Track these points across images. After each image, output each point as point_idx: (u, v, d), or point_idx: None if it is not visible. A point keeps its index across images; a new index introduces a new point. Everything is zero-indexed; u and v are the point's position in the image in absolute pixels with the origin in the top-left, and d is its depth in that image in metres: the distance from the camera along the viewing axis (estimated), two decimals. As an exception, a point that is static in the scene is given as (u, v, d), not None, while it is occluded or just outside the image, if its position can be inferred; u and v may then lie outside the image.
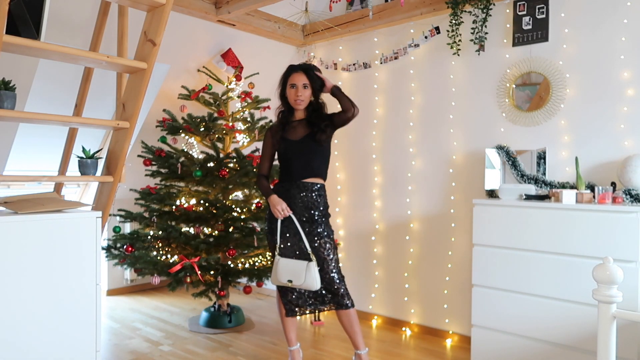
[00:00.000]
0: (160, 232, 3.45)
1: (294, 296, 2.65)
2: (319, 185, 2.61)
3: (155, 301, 4.32)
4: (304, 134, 2.62)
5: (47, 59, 2.17)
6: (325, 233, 2.59)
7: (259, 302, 4.28)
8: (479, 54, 3.25)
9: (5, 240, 1.90)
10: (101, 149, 3.19)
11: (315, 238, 2.56)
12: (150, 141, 3.81)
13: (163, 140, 3.55)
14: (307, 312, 2.70)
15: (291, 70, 2.65)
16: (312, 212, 2.57)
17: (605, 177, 2.77)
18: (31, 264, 1.96)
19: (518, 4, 3.06)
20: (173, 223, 3.50)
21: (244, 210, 3.57)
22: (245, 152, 3.81)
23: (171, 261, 3.42)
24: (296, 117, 2.69)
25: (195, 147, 3.76)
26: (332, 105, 2.68)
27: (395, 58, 3.69)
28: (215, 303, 3.66)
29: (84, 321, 2.13)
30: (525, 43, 3.03)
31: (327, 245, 2.57)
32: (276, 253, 2.61)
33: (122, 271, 4.54)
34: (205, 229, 3.52)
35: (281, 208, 2.54)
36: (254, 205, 3.61)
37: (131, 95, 2.28)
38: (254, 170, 3.48)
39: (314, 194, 2.59)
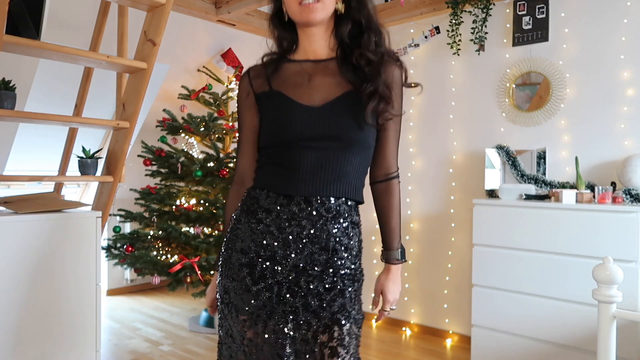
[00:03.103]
0: (160, 232, 3.45)
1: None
2: (352, 210, 1.26)
3: (155, 301, 4.32)
4: (336, 94, 1.21)
5: (47, 59, 2.17)
6: (353, 313, 1.24)
7: (259, 302, 4.28)
8: (479, 54, 3.24)
9: (5, 240, 1.90)
10: (101, 149, 3.19)
11: (330, 324, 1.19)
12: (150, 141, 3.81)
13: (163, 140, 3.55)
14: None
15: None
16: (333, 264, 1.20)
17: (605, 177, 2.76)
18: (31, 264, 1.96)
19: (518, 3, 3.06)
20: (173, 223, 3.50)
21: (244, 210, 3.57)
22: (245, 152, 3.81)
23: (171, 261, 3.42)
24: (309, 54, 1.26)
25: (195, 147, 3.76)
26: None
27: (395, 58, 3.68)
28: (215, 303, 3.66)
29: (84, 321, 2.13)
30: (525, 43, 3.03)
31: (348, 339, 1.21)
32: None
33: (122, 271, 4.53)
34: (205, 229, 3.52)
35: (209, 304, 1.35)
36: (254, 205, 3.61)
37: (131, 95, 2.28)
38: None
39: (340, 229, 1.22)
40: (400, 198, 1.40)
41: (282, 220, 1.19)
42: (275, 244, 1.19)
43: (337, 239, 1.21)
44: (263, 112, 1.26)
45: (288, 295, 1.18)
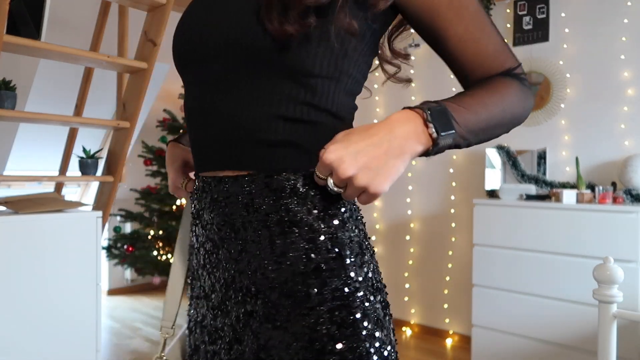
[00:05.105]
0: (160, 232, 3.46)
1: None
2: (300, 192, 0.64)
3: (156, 301, 4.32)
4: None
5: (47, 59, 2.17)
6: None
7: (259, 302, 4.28)
8: (479, 54, 3.24)
9: (5, 240, 1.90)
10: (101, 149, 3.19)
11: None
12: (151, 141, 3.81)
13: (163, 140, 3.55)
14: None
15: None
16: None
17: (606, 177, 2.76)
18: (31, 264, 1.96)
19: (518, 3, 3.06)
20: (173, 223, 3.50)
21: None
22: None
23: (172, 261, 3.42)
24: None
25: (195, 147, 3.77)
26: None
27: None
28: (215, 303, 3.67)
29: (84, 321, 2.13)
30: (526, 43, 3.03)
31: None
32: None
33: (122, 271, 4.53)
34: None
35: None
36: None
37: (131, 95, 2.28)
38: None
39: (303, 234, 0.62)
40: (518, 99, 0.70)
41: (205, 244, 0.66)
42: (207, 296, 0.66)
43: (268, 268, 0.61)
44: None
45: None
